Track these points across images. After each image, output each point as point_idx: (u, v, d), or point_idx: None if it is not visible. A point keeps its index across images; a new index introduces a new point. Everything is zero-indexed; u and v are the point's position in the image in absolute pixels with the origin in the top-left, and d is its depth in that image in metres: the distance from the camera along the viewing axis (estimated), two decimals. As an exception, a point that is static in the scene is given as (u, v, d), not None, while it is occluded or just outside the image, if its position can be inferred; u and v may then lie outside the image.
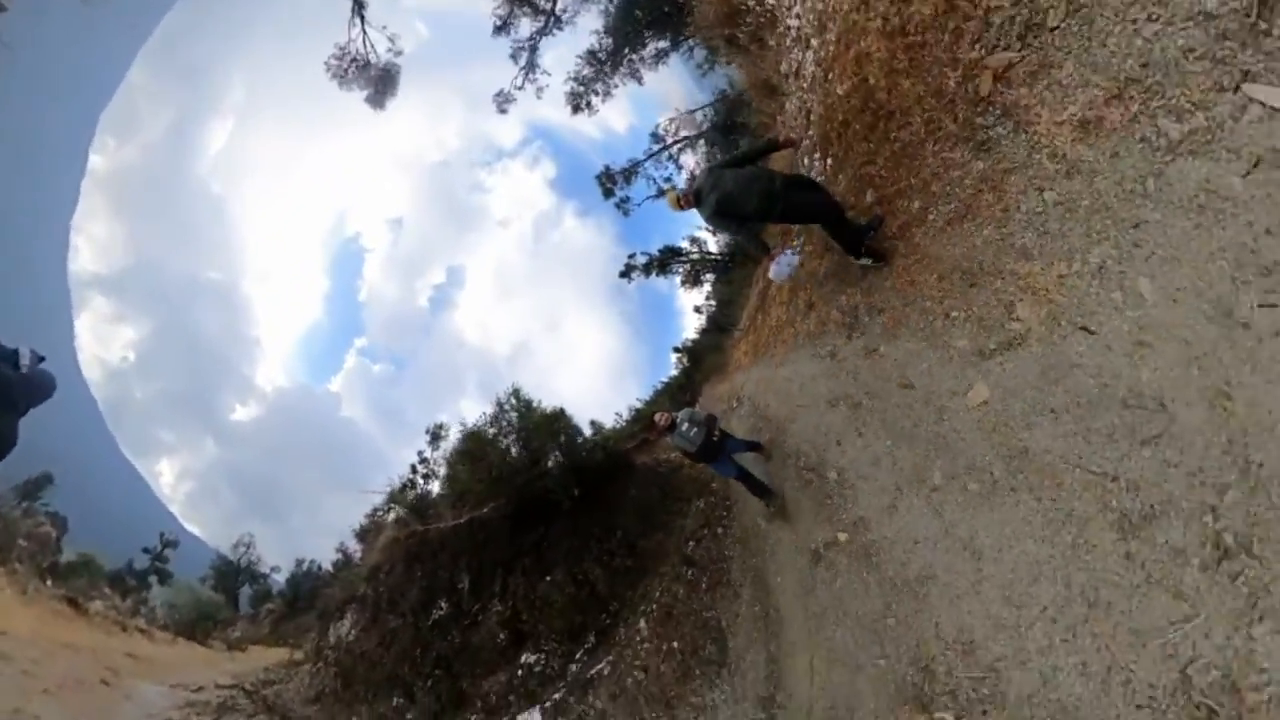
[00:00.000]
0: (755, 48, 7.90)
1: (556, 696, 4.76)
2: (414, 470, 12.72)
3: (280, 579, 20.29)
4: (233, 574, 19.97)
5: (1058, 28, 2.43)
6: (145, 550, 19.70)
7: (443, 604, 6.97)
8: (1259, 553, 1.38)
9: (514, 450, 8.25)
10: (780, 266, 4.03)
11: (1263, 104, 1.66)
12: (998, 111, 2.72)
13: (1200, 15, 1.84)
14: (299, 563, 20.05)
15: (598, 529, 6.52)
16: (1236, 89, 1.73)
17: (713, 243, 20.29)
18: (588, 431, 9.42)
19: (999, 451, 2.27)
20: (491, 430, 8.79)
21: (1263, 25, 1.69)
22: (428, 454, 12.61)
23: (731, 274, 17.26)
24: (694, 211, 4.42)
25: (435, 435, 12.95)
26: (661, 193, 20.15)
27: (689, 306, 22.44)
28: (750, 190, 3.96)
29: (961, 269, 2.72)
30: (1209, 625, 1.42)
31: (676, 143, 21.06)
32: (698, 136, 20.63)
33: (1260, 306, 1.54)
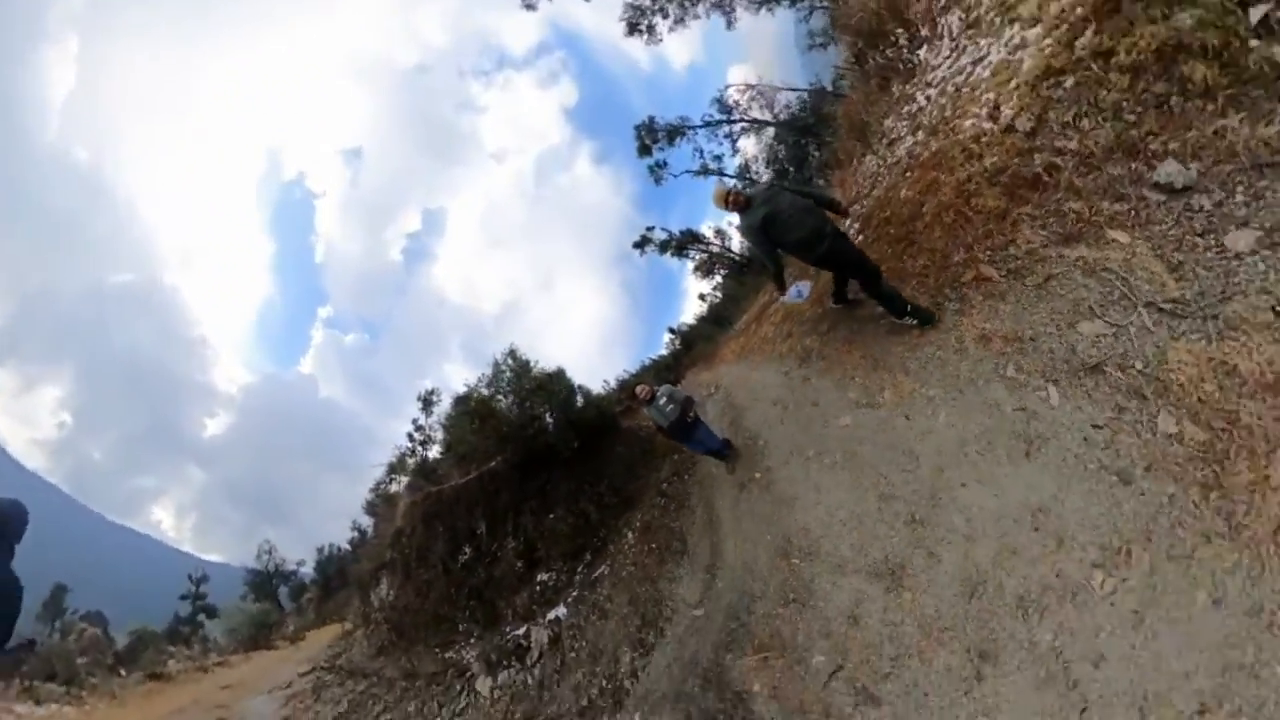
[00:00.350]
0: (877, 84, 7.32)
1: (573, 595, 6.22)
2: (411, 439, 13.36)
3: (308, 569, 21.74)
4: (266, 581, 21.48)
5: (1029, 284, 3.66)
6: (183, 597, 20.88)
7: (466, 549, 8.15)
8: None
9: (513, 410, 8.72)
10: (792, 292, 4.53)
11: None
12: (958, 295, 4.10)
13: (1087, 368, 3.02)
14: (320, 550, 21.57)
15: (590, 476, 7.78)
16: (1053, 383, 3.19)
17: (736, 242, 19.28)
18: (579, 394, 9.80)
19: (843, 450, 4.33)
20: (489, 390, 9.17)
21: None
22: (422, 420, 13.09)
23: (745, 276, 16.70)
24: (735, 218, 4.51)
25: (428, 401, 13.37)
26: (706, 170, 18.13)
27: (694, 292, 21.74)
28: (803, 222, 4.06)
29: (874, 357, 4.54)
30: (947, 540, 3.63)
31: (742, 122, 17.27)
32: (767, 124, 17.46)
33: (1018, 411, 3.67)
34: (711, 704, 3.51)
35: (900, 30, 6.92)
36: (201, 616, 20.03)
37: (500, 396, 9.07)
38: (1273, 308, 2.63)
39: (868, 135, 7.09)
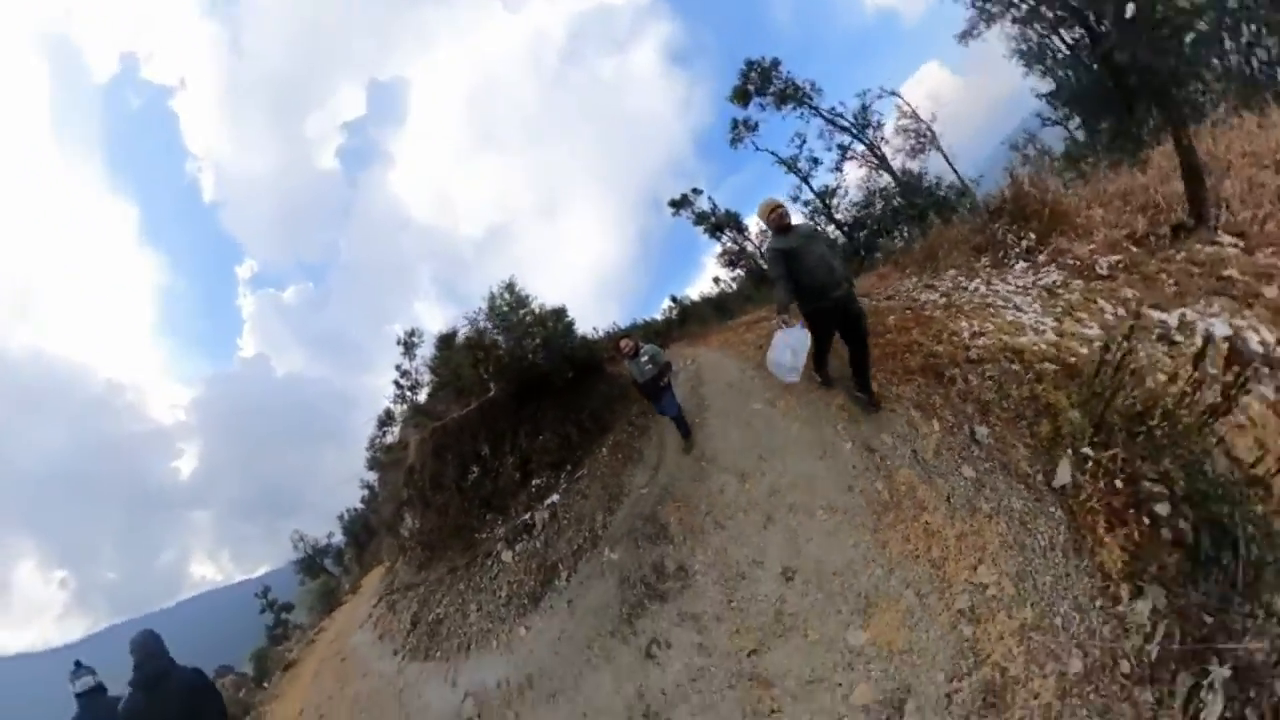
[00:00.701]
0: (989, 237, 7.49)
1: (563, 488, 8.38)
2: (399, 385, 14.08)
3: (338, 537, 24.77)
4: (311, 562, 24.74)
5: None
6: (263, 612, 23.92)
7: (474, 469, 9.92)
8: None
9: (510, 344, 9.43)
10: (787, 343, 4.39)
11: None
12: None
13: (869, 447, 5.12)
14: (340, 517, 24.51)
15: (575, 406, 9.40)
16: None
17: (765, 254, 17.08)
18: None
19: (746, 418, 6.53)
20: (487, 324, 9.85)
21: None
22: (407, 365, 13.50)
23: (762, 284, 15.52)
24: (767, 230, 4.89)
25: (409, 345, 13.60)
26: (791, 166, 15.37)
27: (711, 271, 20.27)
28: (826, 270, 4.28)
29: (796, 389, 6.50)
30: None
31: (867, 148, 12.90)
32: (892, 174, 13.42)
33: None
34: (648, 529, 6.37)
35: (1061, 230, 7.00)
36: (284, 615, 23.25)
37: (496, 332, 9.55)
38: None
39: (933, 263, 7.75)
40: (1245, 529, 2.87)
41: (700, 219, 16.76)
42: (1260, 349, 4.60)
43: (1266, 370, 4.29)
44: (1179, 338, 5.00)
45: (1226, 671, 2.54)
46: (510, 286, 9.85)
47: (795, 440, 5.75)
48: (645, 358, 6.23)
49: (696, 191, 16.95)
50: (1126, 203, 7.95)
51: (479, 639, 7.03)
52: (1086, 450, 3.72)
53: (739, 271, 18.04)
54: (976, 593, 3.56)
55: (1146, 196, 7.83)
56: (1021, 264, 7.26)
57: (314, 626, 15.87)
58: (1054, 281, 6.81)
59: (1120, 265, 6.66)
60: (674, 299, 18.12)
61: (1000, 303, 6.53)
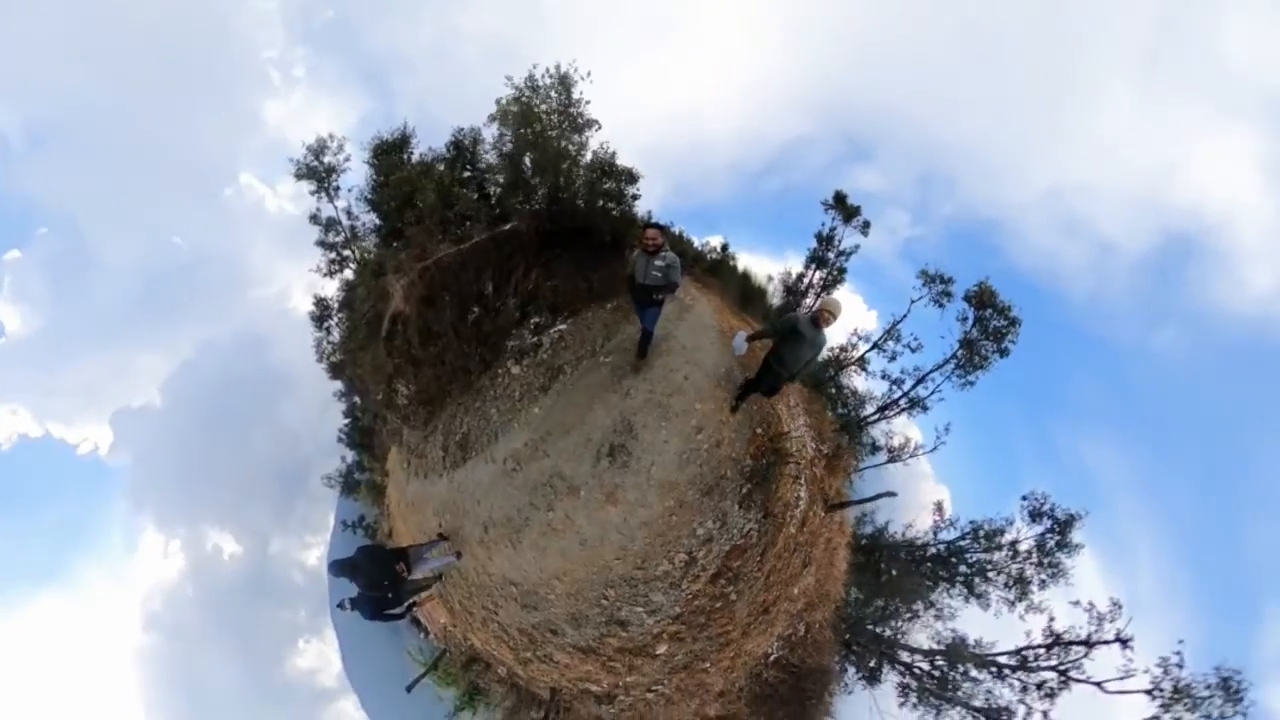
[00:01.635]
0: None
1: (570, 322, 9.19)
2: (328, 247, 10.66)
3: (345, 456, 21.36)
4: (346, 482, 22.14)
5: None
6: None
7: (475, 309, 9.55)
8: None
9: (543, 178, 8.25)
10: (740, 344, 6.19)
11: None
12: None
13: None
14: (339, 439, 21.00)
15: (592, 265, 9.22)
16: None
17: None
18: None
19: (666, 360, 8.35)
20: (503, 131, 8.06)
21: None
22: (328, 210, 10.30)
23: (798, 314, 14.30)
24: (810, 311, 6.13)
25: (322, 176, 9.99)
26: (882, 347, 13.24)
27: (780, 269, 16.76)
28: (795, 361, 5.87)
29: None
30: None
31: (914, 386, 11.88)
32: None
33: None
34: (630, 331, 8.02)
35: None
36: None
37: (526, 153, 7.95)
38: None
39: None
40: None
41: (847, 214, 13.27)
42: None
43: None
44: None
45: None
46: (564, 79, 7.14)
47: (645, 395, 8.01)
48: (661, 263, 5.65)
49: (856, 207, 13.19)
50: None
51: (503, 427, 8.76)
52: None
53: (794, 285, 15.51)
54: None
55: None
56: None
57: (382, 511, 15.37)
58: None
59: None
60: (725, 246, 16.58)
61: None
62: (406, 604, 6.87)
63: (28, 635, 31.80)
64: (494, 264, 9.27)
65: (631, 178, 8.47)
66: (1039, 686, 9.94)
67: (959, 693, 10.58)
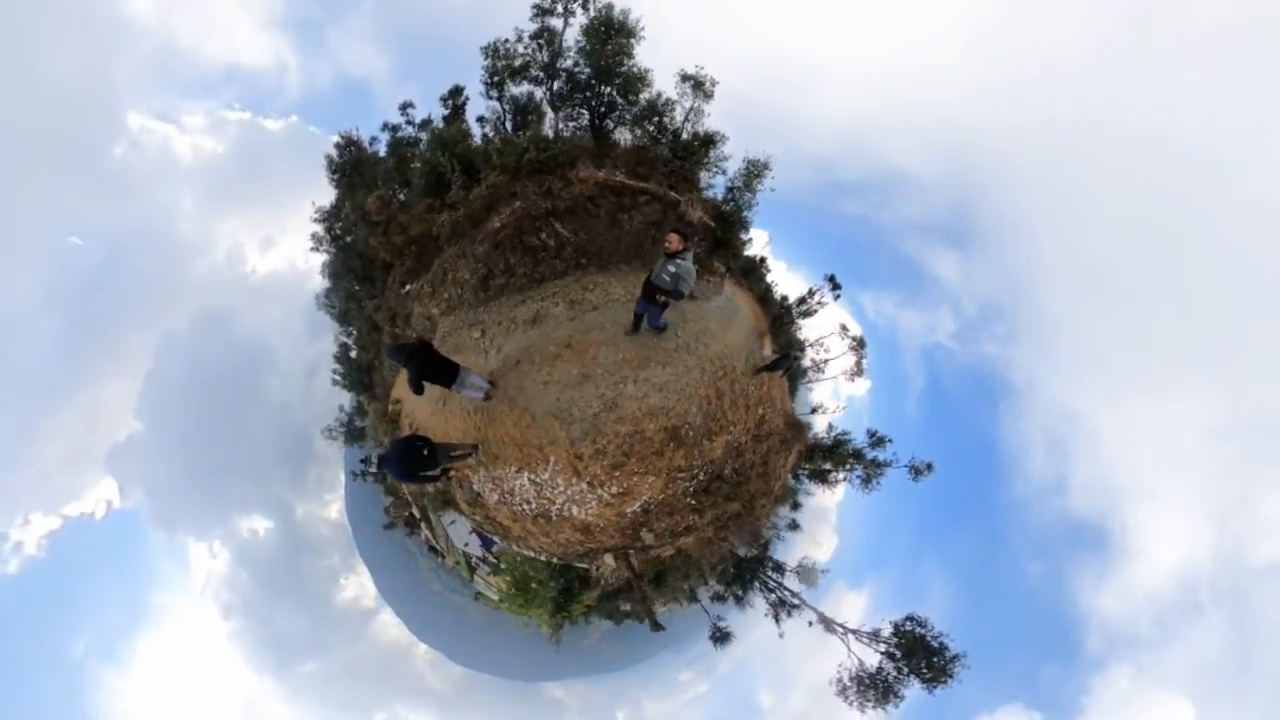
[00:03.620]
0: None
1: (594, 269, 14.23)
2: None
3: (343, 404, 22.86)
4: (349, 429, 22.72)
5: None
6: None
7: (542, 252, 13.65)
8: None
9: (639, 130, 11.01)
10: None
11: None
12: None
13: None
14: (333, 405, 22.99)
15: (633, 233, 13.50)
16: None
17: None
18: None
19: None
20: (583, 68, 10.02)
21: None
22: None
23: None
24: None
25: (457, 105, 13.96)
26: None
27: (810, 280, 20.90)
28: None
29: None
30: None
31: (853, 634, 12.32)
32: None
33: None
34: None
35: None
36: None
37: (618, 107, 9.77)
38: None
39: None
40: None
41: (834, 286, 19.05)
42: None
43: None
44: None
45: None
46: (622, 23, 7.81)
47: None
48: (673, 267, 5.53)
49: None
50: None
51: (541, 315, 12.97)
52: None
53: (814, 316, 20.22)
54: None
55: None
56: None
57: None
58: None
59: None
60: (763, 260, 19.02)
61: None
62: (442, 468, 6.87)
63: (147, 675, 36.57)
64: (567, 216, 12.73)
65: (714, 141, 9.57)
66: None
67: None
